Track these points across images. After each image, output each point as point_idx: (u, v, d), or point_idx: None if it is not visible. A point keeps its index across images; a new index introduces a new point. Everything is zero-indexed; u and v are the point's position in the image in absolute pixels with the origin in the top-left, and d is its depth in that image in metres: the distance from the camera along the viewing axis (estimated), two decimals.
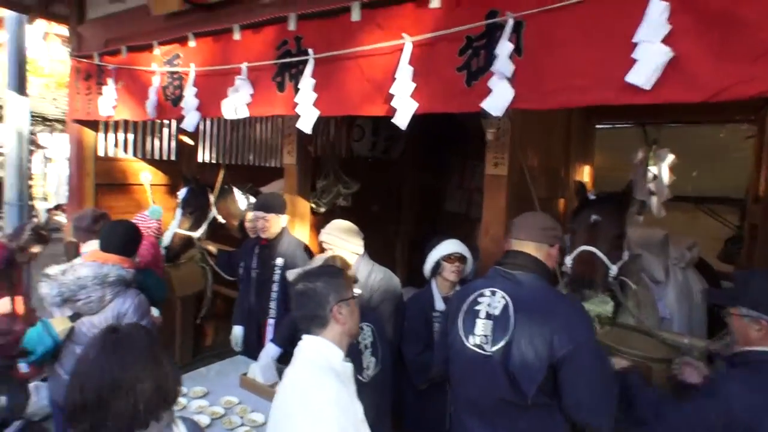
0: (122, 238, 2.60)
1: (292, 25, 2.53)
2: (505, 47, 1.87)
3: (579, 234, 2.44)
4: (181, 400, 2.48)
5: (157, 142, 4.52)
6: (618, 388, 1.75)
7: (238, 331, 3.22)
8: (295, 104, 2.47)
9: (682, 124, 4.79)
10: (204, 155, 4.92)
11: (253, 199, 4.11)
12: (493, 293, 1.85)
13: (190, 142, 4.78)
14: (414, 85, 2.14)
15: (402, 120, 2.16)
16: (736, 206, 5.02)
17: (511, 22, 1.86)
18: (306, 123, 2.47)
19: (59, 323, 2.38)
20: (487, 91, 1.94)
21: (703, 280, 3.24)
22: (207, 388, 2.63)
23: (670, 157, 3.67)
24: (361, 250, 2.71)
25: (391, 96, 2.18)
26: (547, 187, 3.63)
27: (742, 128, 4.74)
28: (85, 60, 3.76)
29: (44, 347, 2.36)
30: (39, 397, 3.24)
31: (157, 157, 4.52)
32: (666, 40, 1.56)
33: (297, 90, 2.50)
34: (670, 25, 1.55)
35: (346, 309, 1.58)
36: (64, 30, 13.19)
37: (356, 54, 2.32)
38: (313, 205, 3.98)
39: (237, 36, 2.78)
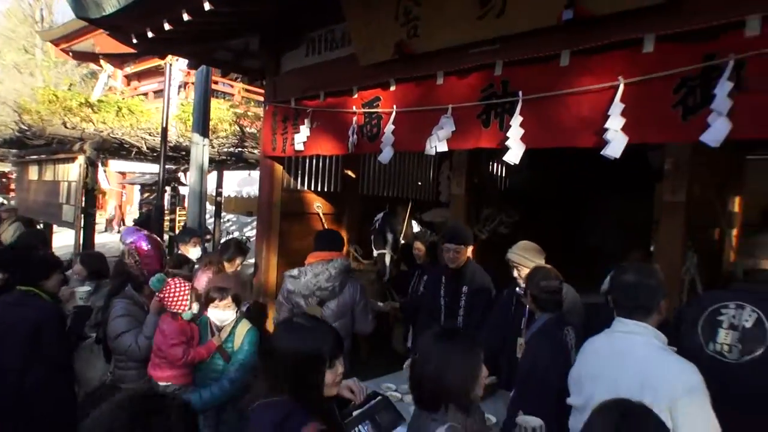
0: (333, 238, 3.36)
1: (498, 71, 2.94)
2: (724, 86, 2.12)
3: None
4: (396, 394, 2.93)
5: (325, 176, 5.10)
6: None
7: None
8: (505, 139, 2.83)
9: None
10: (365, 188, 5.48)
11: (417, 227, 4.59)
12: (740, 307, 2.05)
13: (353, 175, 5.34)
14: (624, 120, 2.43)
15: (614, 150, 2.45)
16: None
17: (731, 63, 2.12)
18: (514, 156, 2.82)
19: (314, 310, 3.03)
20: (704, 125, 2.18)
21: None
22: None
23: None
24: None
25: (600, 130, 2.49)
26: (704, 216, 3.76)
27: None
28: (282, 105, 4.42)
29: None
30: None
31: (325, 189, 5.09)
32: None
33: (502, 127, 2.89)
34: None
35: (664, 303, 1.90)
36: None
37: (563, 94, 2.67)
38: (477, 232, 4.34)
39: (440, 81, 3.24)
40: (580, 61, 2.63)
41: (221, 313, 2.88)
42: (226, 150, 9.01)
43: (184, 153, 8.89)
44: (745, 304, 2.04)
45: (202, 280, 3.74)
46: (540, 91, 2.73)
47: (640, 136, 2.42)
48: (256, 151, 8.98)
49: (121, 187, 18.63)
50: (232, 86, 15.05)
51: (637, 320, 1.89)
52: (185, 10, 3.51)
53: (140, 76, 20.93)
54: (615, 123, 2.44)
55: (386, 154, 3.49)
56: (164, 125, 7.21)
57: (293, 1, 3.84)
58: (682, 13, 2.26)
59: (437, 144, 3.15)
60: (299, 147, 4.17)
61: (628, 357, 1.83)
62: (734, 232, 4.41)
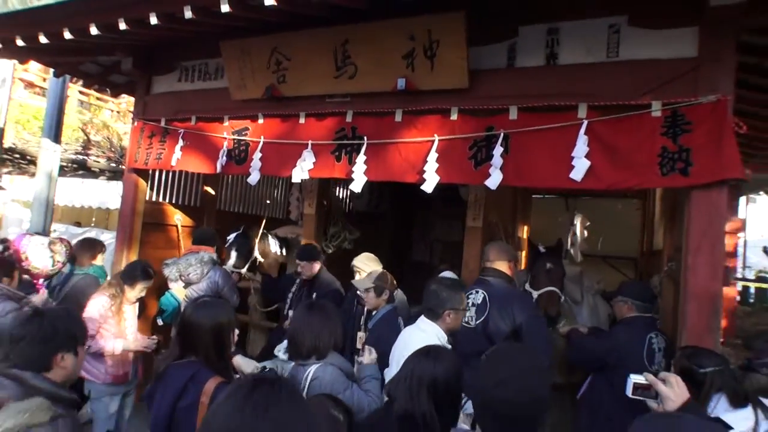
0: (206, 235, 4.33)
1: (349, 118, 3.75)
2: (498, 149, 3.17)
3: (540, 278, 3.77)
4: None
5: (186, 191, 5.45)
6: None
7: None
8: (351, 172, 3.63)
9: (591, 197, 6.42)
10: (223, 204, 5.93)
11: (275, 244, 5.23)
12: (477, 292, 3.22)
13: (212, 192, 5.74)
14: (438, 165, 3.38)
15: (429, 187, 3.38)
16: (631, 262, 6.68)
17: (502, 135, 3.18)
18: (357, 186, 3.63)
19: (178, 291, 3.92)
20: (488, 173, 3.21)
21: (606, 304, 4.65)
22: None
23: (581, 218, 5.19)
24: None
25: (421, 171, 3.42)
26: (497, 238, 4.97)
27: (633, 202, 6.41)
28: (152, 123, 4.73)
29: (172, 306, 3.97)
30: None
31: (186, 203, 5.44)
32: (587, 156, 2.92)
33: (350, 162, 3.69)
34: (588, 149, 2.92)
35: (453, 315, 2.66)
36: (29, 75, 13.51)
37: (397, 142, 3.56)
38: (324, 248, 5.09)
39: (302, 120, 3.95)
40: (409, 119, 3.56)
41: None
42: (66, 156, 8.62)
43: (17, 156, 8.34)
44: (479, 289, 3.22)
45: (93, 306, 3.40)
46: (380, 138, 3.60)
47: (448, 178, 3.38)
48: (102, 161, 8.74)
49: None
50: (68, 86, 13.99)
51: (427, 319, 2.70)
52: (68, 30, 3.72)
53: None
54: (431, 167, 3.38)
55: (254, 177, 4.08)
56: (1, 125, 6.82)
57: (171, 36, 4.24)
58: (473, 97, 3.31)
59: (301, 173, 3.85)
60: (173, 163, 4.50)
61: (412, 344, 2.67)
62: (523, 253, 5.78)
